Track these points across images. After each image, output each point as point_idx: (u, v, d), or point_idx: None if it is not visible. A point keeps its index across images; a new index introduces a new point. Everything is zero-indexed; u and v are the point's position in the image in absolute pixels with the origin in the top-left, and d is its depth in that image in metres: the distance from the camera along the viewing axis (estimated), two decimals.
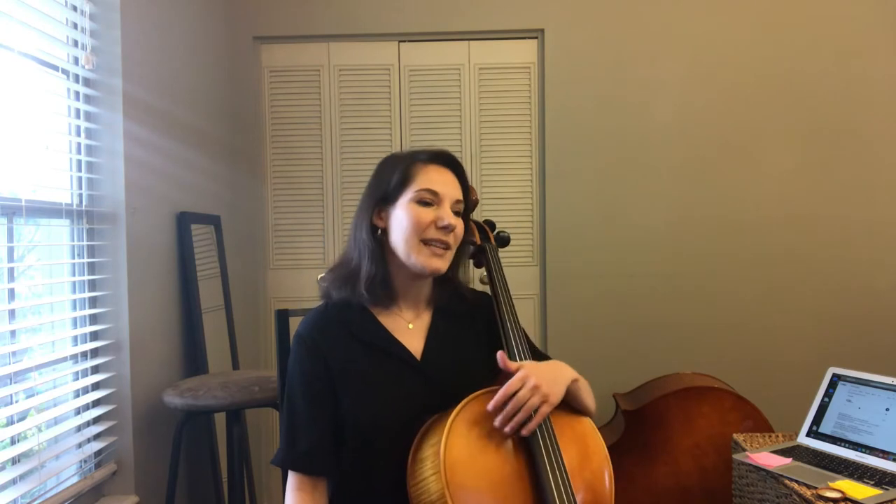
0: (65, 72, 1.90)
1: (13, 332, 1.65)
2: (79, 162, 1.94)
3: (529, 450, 1.17)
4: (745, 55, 2.93)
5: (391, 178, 1.28)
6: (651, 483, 2.36)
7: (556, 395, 1.19)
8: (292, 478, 1.22)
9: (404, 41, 3.05)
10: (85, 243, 1.94)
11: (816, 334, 2.92)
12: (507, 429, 1.14)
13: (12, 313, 1.66)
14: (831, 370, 2.01)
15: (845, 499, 1.58)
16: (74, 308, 1.92)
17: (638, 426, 2.41)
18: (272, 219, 3.09)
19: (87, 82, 1.96)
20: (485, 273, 1.47)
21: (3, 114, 1.66)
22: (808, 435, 1.96)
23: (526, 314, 3.03)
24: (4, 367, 1.60)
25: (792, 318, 2.93)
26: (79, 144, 1.94)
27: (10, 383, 1.62)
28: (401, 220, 1.25)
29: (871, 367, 1.99)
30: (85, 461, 1.89)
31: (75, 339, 1.91)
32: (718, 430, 2.33)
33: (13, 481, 1.61)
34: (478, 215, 1.50)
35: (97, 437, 1.93)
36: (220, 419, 2.40)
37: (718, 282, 2.95)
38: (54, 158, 1.87)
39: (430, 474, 1.11)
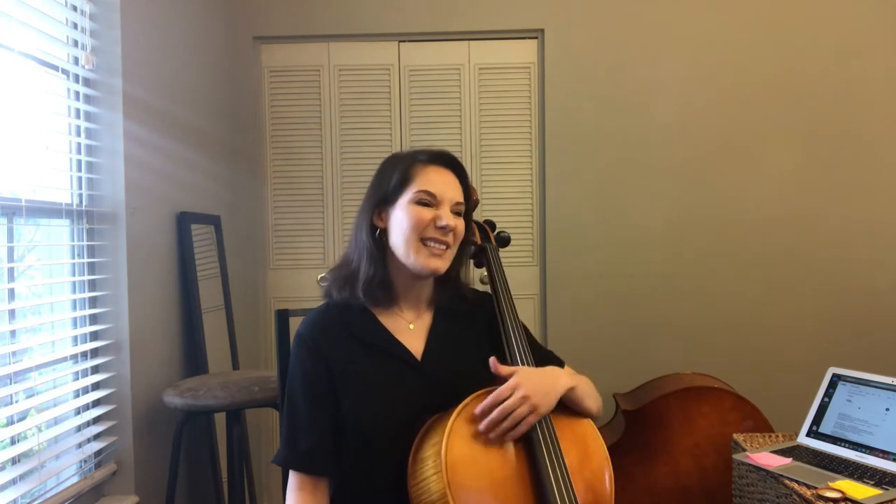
0: (65, 72, 1.90)
1: (13, 332, 1.65)
2: (79, 162, 1.94)
3: (530, 450, 1.17)
4: (745, 55, 2.93)
5: (391, 178, 1.28)
6: (651, 483, 2.36)
7: (546, 406, 1.19)
8: (293, 477, 1.22)
9: (404, 41, 3.05)
10: (85, 243, 1.94)
11: (816, 334, 2.92)
12: (491, 435, 1.14)
13: (12, 313, 1.66)
14: (831, 370, 2.01)
15: (845, 499, 1.58)
16: (74, 308, 1.92)
17: (638, 426, 2.41)
18: (272, 219, 3.09)
19: (87, 82, 1.96)
20: (485, 273, 1.47)
21: (3, 114, 1.66)
22: (808, 435, 1.96)
23: (526, 314, 3.03)
24: (4, 367, 1.60)
25: (792, 318, 2.93)
26: (79, 144, 1.94)
27: (10, 383, 1.62)
28: (400, 221, 1.25)
29: (871, 367, 1.99)
30: (85, 461, 1.89)
31: (75, 339, 1.91)
32: (718, 430, 2.33)
33: (13, 481, 1.61)
34: (478, 215, 1.50)
35: (97, 437, 1.93)
36: (220, 419, 2.40)
37: (718, 282, 2.95)
38: (54, 158, 1.87)
39: (431, 474, 1.12)
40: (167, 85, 2.31)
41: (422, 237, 1.24)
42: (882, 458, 1.77)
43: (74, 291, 1.91)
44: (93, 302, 1.96)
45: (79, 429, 1.88)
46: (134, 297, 2.00)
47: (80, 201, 1.94)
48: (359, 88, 3.05)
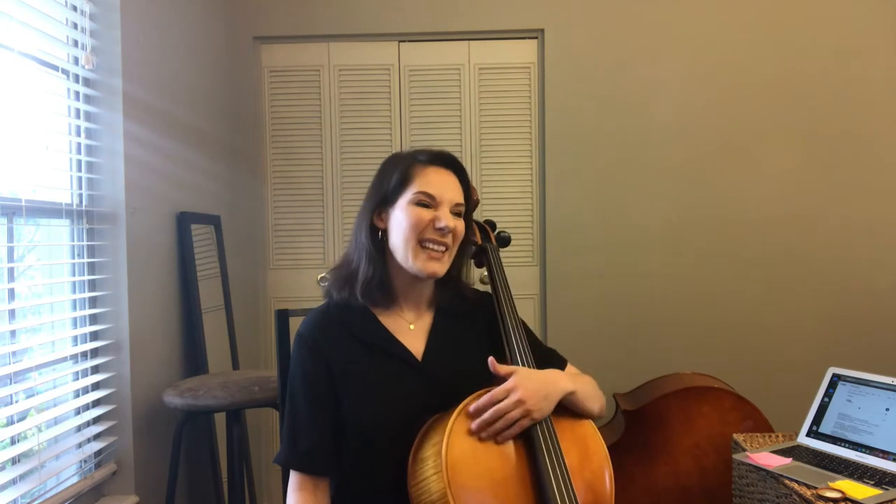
0: (65, 72, 1.90)
1: (13, 332, 1.65)
2: (79, 162, 1.94)
3: (531, 450, 1.17)
4: (745, 55, 2.93)
5: (391, 179, 1.28)
6: (651, 483, 2.36)
7: (542, 410, 1.18)
8: (294, 477, 1.22)
9: (404, 41, 3.05)
10: (85, 243, 1.94)
11: (816, 334, 2.92)
12: (482, 434, 1.14)
13: (12, 313, 1.66)
14: (831, 370, 2.01)
15: (845, 499, 1.58)
16: (74, 308, 1.92)
17: (638, 426, 2.40)
18: (272, 219, 3.09)
19: (87, 82, 1.96)
20: (485, 273, 1.47)
21: (3, 114, 1.65)
22: (808, 435, 1.96)
23: (526, 314, 3.02)
24: (4, 367, 1.60)
25: (792, 318, 2.93)
26: (79, 144, 1.94)
27: (10, 383, 1.62)
28: (399, 222, 1.25)
29: (871, 367, 1.99)
30: (85, 461, 1.88)
31: (75, 339, 1.91)
32: (718, 430, 2.33)
33: (13, 481, 1.61)
34: (478, 215, 1.50)
35: (97, 437, 1.93)
36: (220, 419, 2.40)
37: (718, 282, 2.95)
38: (54, 158, 1.87)
39: (431, 474, 1.12)
40: (167, 85, 2.31)
41: (420, 239, 1.24)
42: (882, 458, 1.77)
43: (74, 291, 1.91)
44: (93, 302, 1.96)
45: (79, 429, 1.88)
46: (134, 297, 2.00)
47: (80, 201, 1.94)
48: (359, 88, 3.05)
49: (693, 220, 2.95)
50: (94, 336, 1.95)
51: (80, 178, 1.94)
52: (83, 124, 1.94)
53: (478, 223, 1.52)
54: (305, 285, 3.07)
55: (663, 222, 2.96)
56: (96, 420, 1.95)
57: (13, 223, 1.67)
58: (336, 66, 3.05)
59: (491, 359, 1.21)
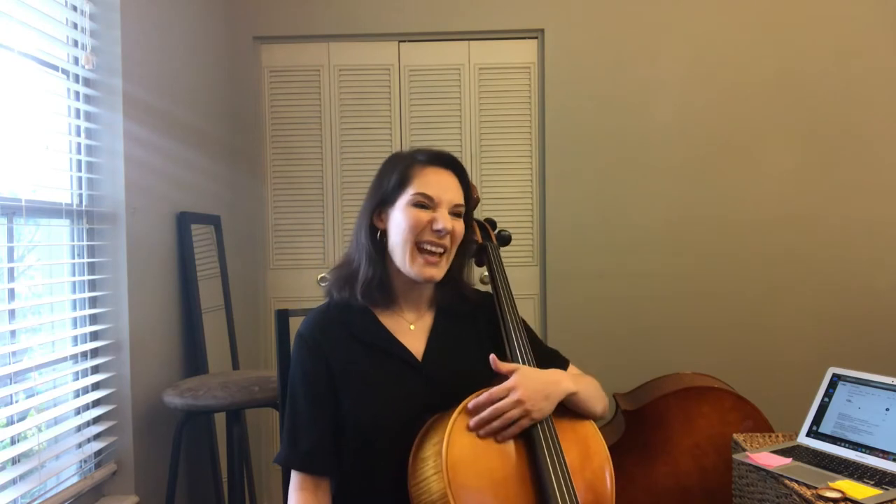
0: (65, 72, 1.90)
1: (13, 332, 1.65)
2: (79, 162, 1.94)
3: (531, 449, 1.17)
4: (745, 55, 2.93)
5: (390, 179, 1.27)
6: (651, 483, 2.36)
7: (542, 411, 1.18)
8: (295, 477, 1.22)
9: (404, 41, 3.05)
10: (85, 243, 1.94)
11: (816, 334, 2.92)
12: (480, 432, 1.14)
13: (12, 313, 1.66)
14: (831, 370, 2.01)
15: (845, 499, 1.58)
16: (74, 308, 1.92)
17: (638, 426, 2.40)
18: (272, 219, 3.09)
19: (87, 82, 1.96)
20: (486, 272, 1.47)
21: (3, 114, 1.65)
22: (808, 435, 1.96)
23: (526, 314, 3.00)
24: (4, 367, 1.60)
25: (792, 318, 2.93)
26: (79, 144, 1.94)
27: (10, 383, 1.62)
28: (398, 223, 1.24)
29: (871, 367, 1.99)
30: (85, 461, 1.88)
31: (75, 339, 1.91)
32: (718, 430, 2.33)
33: (13, 481, 1.61)
34: (478, 216, 1.50)
35: (97, 437, 1.93)
36: (220, 419, 2.40)
37: (718, 282, 2.95)
38: (54, 158, 1.87)
39: (431, 474, 1.11)
40: (167, 85, 2.31)
41: (418, 241, 1.23)
42: (882, 458, 1.77)
43: (74, 291, 1.91)
44: (93, 302, 1.96)
45: (79, 429, 1.88)
46: (134, 297, 2.00)
47: (80, 201, 1.94)
48: (359, 88, 3.05)
49: (693, 220, 2.96)
50: (94, 336, 1.95)
51: (80, 178, 1.94)
52: (83, 124, 1.94)
53: (478, 222, 1.52)
54: (305, 285, 3.07)
55: (663, 222, 2.96)
56: (96, 420, 1.95)
57: (13, 223, 1.67)
58: (336, 66, 3.05)
59: (493, 356, 1.21)
